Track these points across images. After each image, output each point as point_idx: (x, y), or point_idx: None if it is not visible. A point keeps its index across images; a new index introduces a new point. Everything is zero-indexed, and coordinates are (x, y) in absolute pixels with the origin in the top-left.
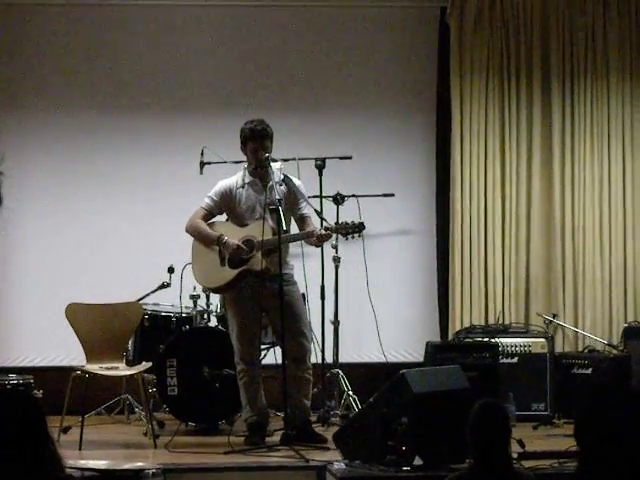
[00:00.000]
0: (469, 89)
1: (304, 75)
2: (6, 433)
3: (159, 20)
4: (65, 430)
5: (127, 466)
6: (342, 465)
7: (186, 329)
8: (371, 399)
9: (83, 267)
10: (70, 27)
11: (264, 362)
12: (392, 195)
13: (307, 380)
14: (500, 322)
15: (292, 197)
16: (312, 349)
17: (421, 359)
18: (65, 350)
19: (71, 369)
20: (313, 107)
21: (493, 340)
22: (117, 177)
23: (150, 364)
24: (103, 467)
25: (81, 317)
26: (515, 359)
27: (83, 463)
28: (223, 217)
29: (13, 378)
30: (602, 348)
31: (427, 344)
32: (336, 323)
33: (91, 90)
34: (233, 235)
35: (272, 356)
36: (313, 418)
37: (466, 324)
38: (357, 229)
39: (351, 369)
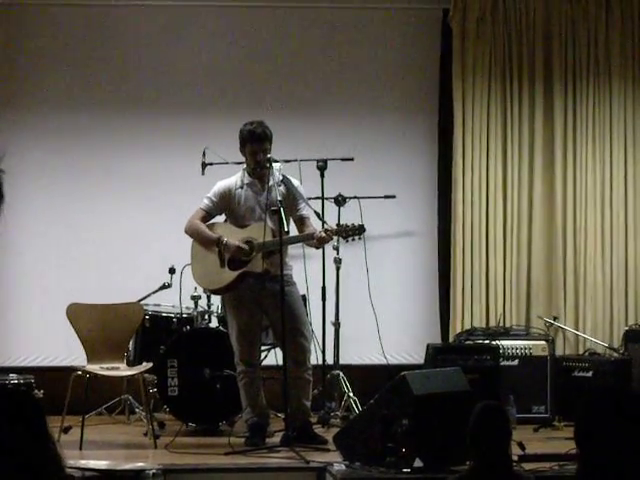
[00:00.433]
0: (471, 91)
1: (306, 76)
2: (6, 433)
3: (161, 19)
4: (66, 430)
5: (127, 466)
6: (342, 466)
7: (187, 330)
8: (372, 401)
9: (84, 267)
10: (71, 25)
11: (265, 363)
12: (393, 197)
13: (307, 381)
14: (501, 324)
15: (291, 198)
16: (312, 350)
17: (422, 361)
18: (66, 350)
19: (72, 369)
20: (315, 108)
21: (494, 342)
22: (118, 177)
23: (151, 364)
24: (103, 467)
25: (82, 317)
26: (516, 361)
27: (84, 463)
28: (221, 218)
29: (14, 378)
30: (603, 351)
31: (428, 346)
32: (337, 324)
33: (92, 89)
34: (232, 236)
35: (273, 357)
36: (313, 419)
37: (467, 326)
38: (357, 231)
39: (352, 371)
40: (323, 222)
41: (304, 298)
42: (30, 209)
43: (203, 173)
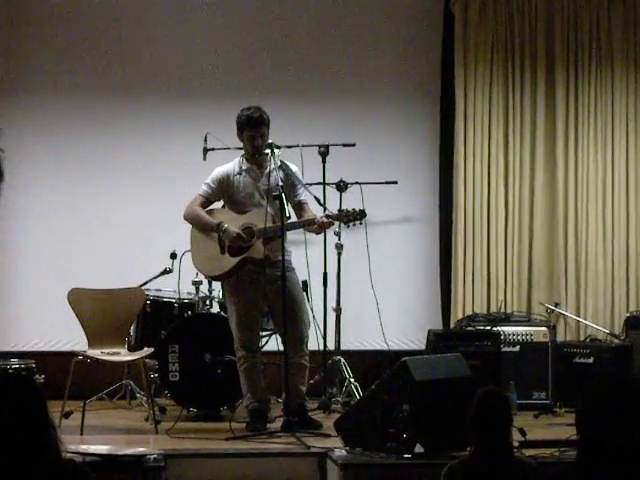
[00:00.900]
0: (473, 78)
1: (308, 62)
2: (7, 417)
3: (162, 6)
4: (67, 415)
5: (128, 451)
6: (343, 452)
7: (188, 315)
8: (373, 386)
9: (86, 252)
10: (72, 11)
11: (265, 349)
12: (395, 183)
13: (304, 366)
14: (502, 310)
15: (290, 183)
16: (310, 335)
17: (423, 347)
18: (67, 335)
19: (73, 354)
20: (317, 94)
21: (495, 328)
22: (120, 162)
23: (152, 350)
24: (104, 452)
25: (83, 302)
26: (517, 348)
27: (84, 448)
28: (220, 204)
29: (15, 363)
30: (604, 337)
31: (429, 332)
32: (338, 310)
33: (93, 74)
34: (232, 222)
35: (273, 343)
36: (314, 405)
37: (468, 312)
38: (358, 216)
39: (353, 356)
40: (324, 207)
41: (305, 284)
42: (31, 195)
43: (205, 158)
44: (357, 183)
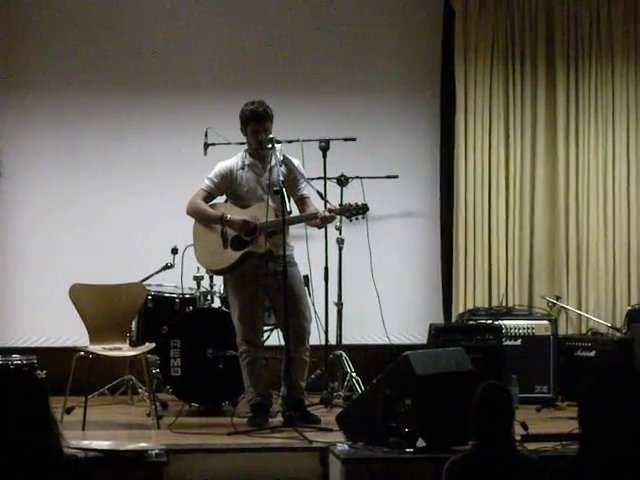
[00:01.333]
0: (473, 72)
1: (308, 57)
2: (9, 413)
3: (162, 0)
4: (68, 411)
5: (130, 447)
6: (345, 447)
7: (190, 310)
8: (374, 381)
9: (87, 247)
10: (71, 6)
11: (267, 344)
12: (396, 177)
13: (304, 362)
14: (503, 304)
15: (292, 178)
16: (311, 330)
17: (424, 341)
18: (69, 331)
19: (74, 350)
20: (317, 89)
21: (496, 322)
22: (121, 157)
23: (153, 345)
24: (106, 447)
25: (85, 298)
26: (518, 341)
27: (86, 443)
28: (221, 199)
29: (16, 358)
30: (606, 331)
31: (430, 326)
32: (339, 305)
33: (94, 70)
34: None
35: (275, 338)
36: (316, 399)
37: (469, 306)
38: (361, 210)
39: (354, 351)
40: (326, 202)
41: (307, 278)
42: (32, 190)
43: (205, 154)
44: (358, 177)
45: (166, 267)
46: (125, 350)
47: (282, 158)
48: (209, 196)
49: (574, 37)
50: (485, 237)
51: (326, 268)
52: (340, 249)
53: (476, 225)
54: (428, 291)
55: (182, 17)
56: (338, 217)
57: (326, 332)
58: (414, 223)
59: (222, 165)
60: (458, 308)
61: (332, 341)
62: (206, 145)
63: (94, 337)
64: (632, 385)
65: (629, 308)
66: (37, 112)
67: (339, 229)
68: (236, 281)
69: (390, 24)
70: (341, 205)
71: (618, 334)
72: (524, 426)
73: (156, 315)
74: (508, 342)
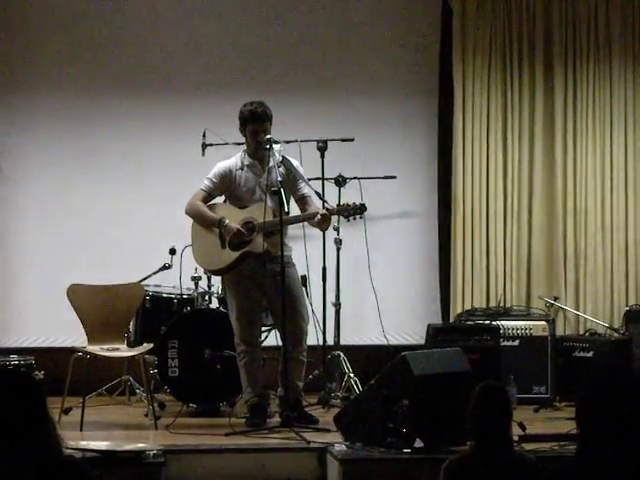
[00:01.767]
0: (471, 72)
1: (306, 57)
2: (6, 414)
3: (161, 2)
4: (66, 411)
5: (128, 447)
6: (343, 447)
7: (187, 311)
8: (372, 381)
9: (85, 248)
10: (73, 7)
11: (264, 344)
12: (394, 177)
13: (301, 362)
14: (501, 305)
15: (291, 178)
16: (309, 331)
17: (422, 341)
18: (66, 331)
19: (72, 350)
20: (315, 89)
21: (494, 323)
22: (119, 158)
23: (151, 345)
24: (104, 448)
25: (83, 298)
26: (516, 342)
27: (84, 444)
28: (221, 199)
29: (14, 359)
30: (603, 331)
31: (428, 326)
32: (337, 305)
33: (93, 71)
34: (233, 217)
35: (272, 338)
36: (314, 400)
37: (467, 307)
38: (359, 210)
39: (352, 351)
40: (324, 202)
41: (304, 279)
42: (30, 191)
43: (203, 154)
44: (356, 178)
45: (164, 267)
46: (123, 350)
47: (281, 158)
48: (208, 196)
49: (572, 38)
50: (483, 237)
51: (324, 268)
52: (338, 249)
53: (474, 226)
54: (426, 291)
55: (182, 18)
56: (336, 217)
57: (324, 332)
58: (412, 223)
59: (221, 165)
60: (456, 308)
61: (330, 341)
62: (204, 145)
63: (92, 337)
64: (630, 386)
65: (627, 309)
66: (36, 113)
67: (337, 230)
68: (234, 281)
69: (388, 25)
70: (339, 205)
71: (616, 335)
72: (522, 426)
73: (154, 315)
74: (506, 342)
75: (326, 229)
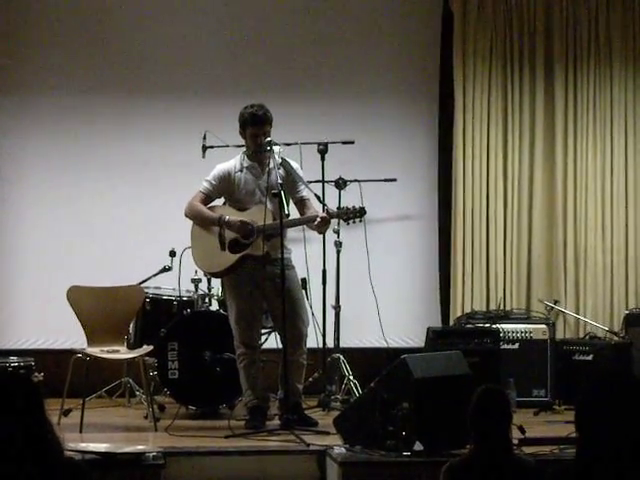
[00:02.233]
0: (472, 75)
1: (307, 59)
2: (4, 417)
3: (160, 4)
4: (66, 413)
5: (128, 449)
6: (342, 450)
7: (187, 313)
8: (372, 384)
9: (85, 250)
10: (71, 8)
11: (264, 346)
12: (394, 180)
13: (301, 365)
14: (501, 308)
15: (291, 180)
16: (309, 333)
17: (422, 344)
18: (66, 333)
19: (72, 352)
20: (315, 92)
21: (494, 326)
22: (119, 159)
23: (151, 347)
24: (103, 450)
25: (82, 300)
26: (516, 345)
27: (84, 446)
28: (220, 201)
29: (14, 360)
30: (603, 335)
31: (428, 329)
32: (337, 308)
33: (92, 72)
34: None
35: (272, 341)
36: (314, 402)
37: (467, 310)
38: (358, 214)
39: (352, 354)
40: (324, 205)
41: (304, 281)
42: (31, 192)
43: (204, 156)
44: (356, 181)
45: (164, 270)
46: (123, 352)
47: (280, 161)
48: (207, 198)
49: (572, 41)
50: (483, 240)
51: (324, 271)
52: (338, 252)
53: (474, 228)
54: (426, 294)
55: (180, 20)
56: (336, 220)
57: (324, 335)
58: (412, 226)
59: (220, 168)
60: (456, 311)
61: (330, 344)
62: (204, 147)
63: (92, 339)
64: (629, 389)
65: (627, 312)
66: (36, 114)
67: (337, 232)
68: (234, 284)
69: (388, 27)
70: (339, 208)
71: (616, 338)
72: (521, 430)
73: (154, 318)
74: (506, 346)
75: (324, 232)
